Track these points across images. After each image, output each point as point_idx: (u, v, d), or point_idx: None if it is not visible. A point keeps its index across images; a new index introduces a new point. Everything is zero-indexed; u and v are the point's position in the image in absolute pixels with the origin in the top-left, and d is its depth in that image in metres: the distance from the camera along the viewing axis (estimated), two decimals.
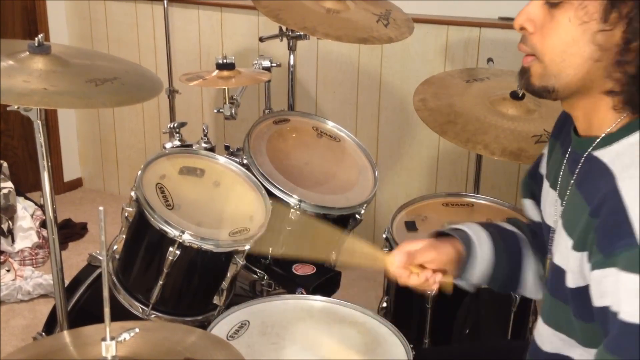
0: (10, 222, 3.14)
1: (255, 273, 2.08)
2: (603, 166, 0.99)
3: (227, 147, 2.23)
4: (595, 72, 0.98)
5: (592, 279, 0.93)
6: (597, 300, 0.93)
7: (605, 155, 1.00)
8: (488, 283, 1.32)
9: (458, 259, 1.28)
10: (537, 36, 1.02)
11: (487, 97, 2.07)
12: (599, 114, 1.02)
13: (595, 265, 0.92)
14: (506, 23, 2.79)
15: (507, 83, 2.13)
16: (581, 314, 1.01)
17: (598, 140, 1.02)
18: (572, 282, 1.00)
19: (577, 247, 0.98)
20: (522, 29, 1.03)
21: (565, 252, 1.03)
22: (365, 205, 2.10)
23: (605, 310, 0.92)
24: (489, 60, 2.47)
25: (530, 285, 1.33)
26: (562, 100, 1.06)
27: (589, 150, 1.03)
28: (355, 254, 1.35)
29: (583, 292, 0.98)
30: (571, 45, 0.98)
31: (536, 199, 1.30)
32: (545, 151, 1.27)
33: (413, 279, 1.26)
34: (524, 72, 1.05)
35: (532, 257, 1.33)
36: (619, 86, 0.98)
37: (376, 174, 2.20)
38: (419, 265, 1.26)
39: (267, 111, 2.48)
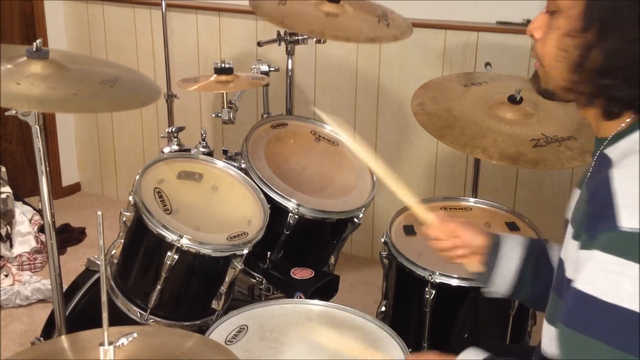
0: (8, 227, 3.13)
1: (254, 277, 2.08)
2: (609, 161, 1.04)
3: (225, 152, 2.23)
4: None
5: (579, 256, 0.97)
6: (571, 274, 0.98)
7: (612, 151, 1.05)
8: (515, 291, 1.34)
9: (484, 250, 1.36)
10: (539, 43, 1.09)
11: (485, 102, 2.07)
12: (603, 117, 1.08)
13: (582, 246, 0.97)
14: (504, 27, 2.79)
15: (505, 87, 2.13)
16: None
17: (608, 139, 1.07)
18: (569, 272, 1.03)
19: (575, 235, 1.02)
20: (532, 35, 1.11)
21: (566, 242, 1.07)
22: (363, 209, 2.10)
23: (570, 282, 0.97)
24: (487, 64, 2.47)
25: None
26: (575, 104, 1.12)
27: (601, 149, 1.08)
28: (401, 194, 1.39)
29: None
30: (561, 51, 1.04)
31: None
32: None
33: (444, 243, 1.36)
34: (535, 76, 1.14)
35: None
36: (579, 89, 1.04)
37: (374, 178, 2.20)
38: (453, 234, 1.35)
39: (265, 115, 2.48)
